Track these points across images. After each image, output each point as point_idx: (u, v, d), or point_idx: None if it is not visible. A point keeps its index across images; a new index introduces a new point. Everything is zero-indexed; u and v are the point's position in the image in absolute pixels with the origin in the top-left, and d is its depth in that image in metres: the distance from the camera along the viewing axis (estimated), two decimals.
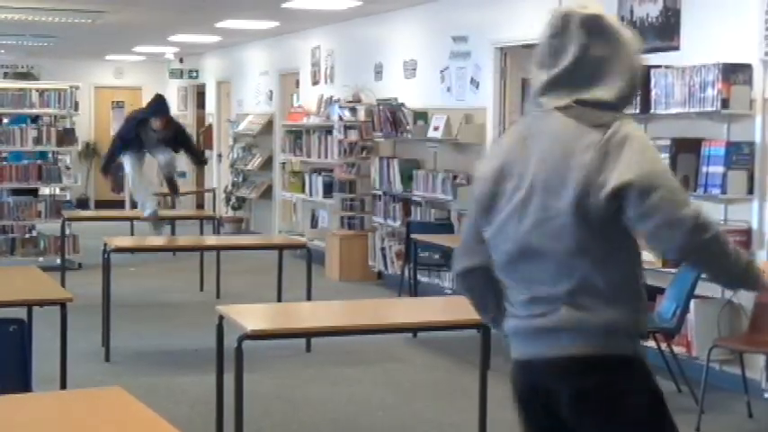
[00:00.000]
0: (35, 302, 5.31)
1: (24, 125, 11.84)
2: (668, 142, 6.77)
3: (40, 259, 11.22)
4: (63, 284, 8.76)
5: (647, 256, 6.90)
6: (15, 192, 11.72)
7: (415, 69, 10.82)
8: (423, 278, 9.61)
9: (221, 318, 4.81)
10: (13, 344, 4.36)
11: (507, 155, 2.76)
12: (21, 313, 5.04)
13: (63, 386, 5.28)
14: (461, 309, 5.53)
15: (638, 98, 6.94)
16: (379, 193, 10.91)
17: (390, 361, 7.36)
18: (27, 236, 11.76)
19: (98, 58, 19.08)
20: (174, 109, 19.72)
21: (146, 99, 20.10)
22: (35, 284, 5.75)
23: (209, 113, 18.33)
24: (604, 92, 2.69)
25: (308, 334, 5.96)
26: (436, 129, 9.88)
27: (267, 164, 14.90)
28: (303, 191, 12.83)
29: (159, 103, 9.38)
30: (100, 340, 7.39)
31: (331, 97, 12.43)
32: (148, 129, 9.20)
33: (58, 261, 10.37)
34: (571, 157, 2.59)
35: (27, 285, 5.73)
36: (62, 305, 5.19)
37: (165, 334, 8.29)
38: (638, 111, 6.98)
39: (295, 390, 6.59)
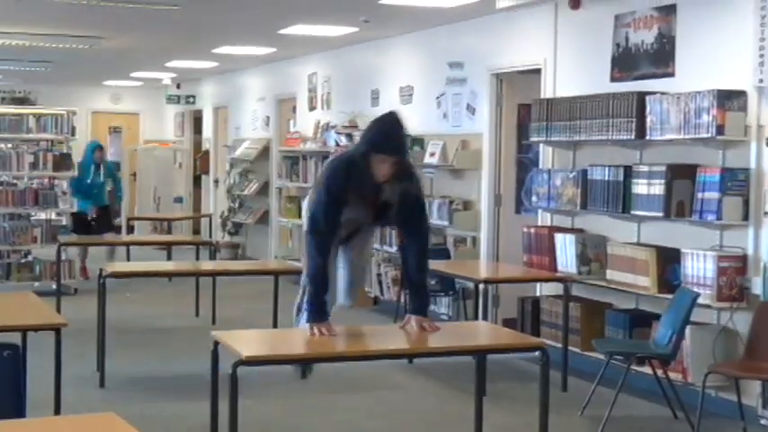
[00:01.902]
0: (29, 328, 5.30)
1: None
2: (663, 168, 6.79)
3: (36, 284, 11.20)
4: (58, 310, 8.75)
5: (644, 283, 6.92)
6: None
7: (411, 95, 10.85)
8: None
9: (216, 343, 4.80)
10: (6, 369, 4.35)
11: None
12: (15, 338, 5.03)
13: (57, 412, 5.27)
14: (457, 335, 5.53)
15: (634, 124, 6.99)
16: None
17: (386, 387, 7.33)
18: (23, 261, 11.74)
19: (95, 83, 19.12)
20: (171, 134, 19.81)
21: (143, 124, 20.26)
22: (30, 309, 5.74)
23: (206, 139, 18.35)
24: None
25: (303, 360, 5.94)
26: (432, 154, 9.90)
27: (264, 189, 14.91)
28: (299, 216, 12.82)
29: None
30: (95, 366, 7.37)
31: (328, 123, 12.45)
32: None
33: (54, 286, 10.35)
34: None
35: (22, 310, 5.71)
36: (56, 330, 5.18)
37: (160, 360, 8.27)
38: (633, 137, 7.01)
39: (290, 416, 6.56)
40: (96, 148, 12.80)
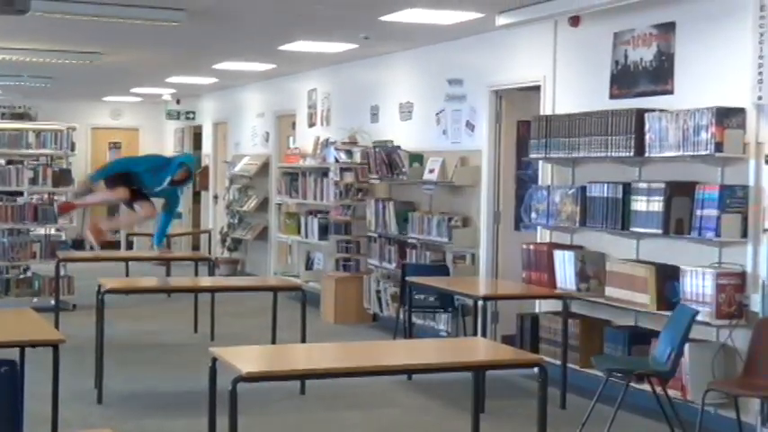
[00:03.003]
0: (27, 344, 5.29)
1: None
2: (662, 185, 6.80)
3: (35, 300, 11.19)
4: (57, 326, 8.74)
5: (643, 300, 6.92)
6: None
7: (410, 112, 10.87)
8: (418, 320, 9.59)
9: (214, 360, 4.79)
10: (4, 385, 4.35)
11: None
12: (13, 354, 5.03)
13: (54, 428, 5.26)
14: (456, 351, 5.53)
15: (633, 141, 7.00)
16: (375, 235, 10.91)
17: (385, 404, 7.32)
18: (21, 276, 11.73)
19: (95, 99, 19.14)
20: (171, 150, 19.83)
21: (143, 140, 20.28)
22: (28, 325, 5.73)
23: (205, 154, 18.36)
24: None
25: (302, 376, 5.94)
26: (432, 171, 9.90)
27: (263, 205, 14.91)
28: (299, 233, 12.83)
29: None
30: (93, 382, 7.35)
31: (327, 139, 12.47)
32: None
33: (53, 302, 10.33)
34: None
35: (20, 326, 5.71)
36: (54, 347, 5.18)
37: (158, 376, 8.26)
38: (632, 154, 7.02)
39: None
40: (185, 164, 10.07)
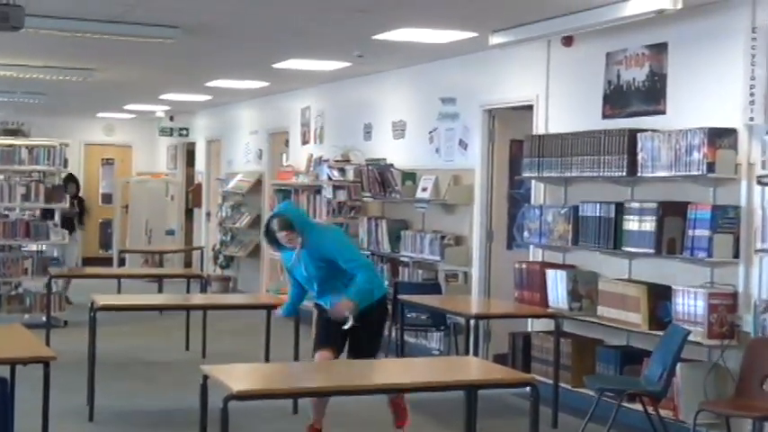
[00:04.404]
0: (18, 360, 5.27)
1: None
2: (655, 205, 6.81)
3: (26, 316, 11.15)
4: (48, 342, 8.72)
5: (635, 320, 6.93)
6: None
7: (403, 130, 10.89)
8: (410, 339, 9.57)
9: (205, 378, 4.78)
10: None
11: None
12: (3, 371, 5.01)
13: None
14: (448, 370, 5.52)
15: (625, 161, 7.02)
16: (367, 253, 10.90)
17: (377, 422, 7.30)
18: (13, 293, 11.69)
19: (89, 115, 19.14)
20: (164, 167, 19.82)
21: (135, 156, 20.27)
22: (19, 342, 5.72)
23: (198, 171, 18.36)
24: None
25: (295, 395, 5.93)
26: (424, 189, 9.91)
27: (256, 222, 14.90)
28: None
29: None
30: (84, 399, 7.33)
31: (320, 157, 12.48)
32: None
33: (44, 318, 10.31)
34: None
35: (10, 343, 5.69)
36: (45, 364, 5.16)
37: (149, 394, 8.23)
38: (624, 174, 7.04)
39: None
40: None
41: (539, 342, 7.93)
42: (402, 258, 10.20)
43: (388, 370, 5.69)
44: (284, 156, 14.41)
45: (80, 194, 14.72)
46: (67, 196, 12.45)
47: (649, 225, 6.84)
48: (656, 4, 6.38)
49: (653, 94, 7.27)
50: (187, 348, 10.10)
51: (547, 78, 8.51)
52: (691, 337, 6.28)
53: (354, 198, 11.18)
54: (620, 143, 7.09)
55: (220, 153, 17.16)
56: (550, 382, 7.29)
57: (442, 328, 9.29)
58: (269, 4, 7.56)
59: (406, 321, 8.82)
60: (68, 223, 12.79)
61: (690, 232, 6.58)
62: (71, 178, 13.80)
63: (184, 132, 18.60)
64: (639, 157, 6.95)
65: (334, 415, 7.29)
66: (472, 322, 7.35)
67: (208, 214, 17.35)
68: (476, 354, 7.20)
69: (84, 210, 14.66)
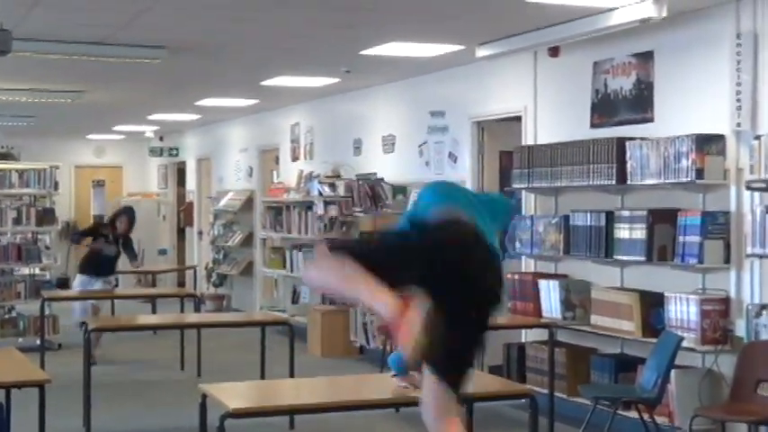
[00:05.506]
0: (13, 384, 5.27)
1: None
2: (645, 213, 6.84)
3: (20, 340, 11.12)
4: (42, 365, 8.69)
5: (628, 327, 6.94)
6: None
7: (393, 144, 10.91)
8: None
9: (204, 396, 4.78)
10: None
11: None
12: None
13: None
14: None
15: (615, 170, 7.05)
16: None
17: None
18: (6, 316, 11.67)
19: (78, 137, 19.13)
20: (155, 187, 19.81)
21: (126, 177, 20.26)
22: (13, 366, 5.72)
23: (189, 191, 18.36)
24: None
25: (290, 412, 5.92)
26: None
27: (248, 240, 14.91)
28: (284, 267, 12.83)
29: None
30: (80, 421, 7.32)
31: (311, 173, 12.50)
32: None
33: (38, 342, 10.29)
34: None
35: (5, 367, 5.69)
36: (40, 387, 5.16)
37: (145, 413, 8.22)
38: (614, 182, 7.06)
39: None
40: None
41: (533, 352, 7.94)
42: None
43: (385, 384, 5.69)
44: (275, 173, 14.42)
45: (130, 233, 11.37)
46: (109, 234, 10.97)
47: (640, 233, 6.87)
48: (641, 12, 6.42)
49: (640, 103, 7.30)
50: (182, 368, 10.09)
51: (534, 89, 8.54)
52: (684, 344, 6.30)
53: (346, 213, 11.19)
54: (608, 152, 7.12)
55: (211, 171, 17.16)
56: (545, 391, 7.30)
57: None
58: (255, 22, 7.58)
59: None
60: (106, 266, 11.06)
61: (680, 239, 6.61)
62: (126, 212, 11.42)
63: (174, 152, 18.60)
64: (628, 165, 6.98)
65: (331, 430, 7.29)
66: None
67: (200, 233, 17.34)
68: None
69: (129, 247, 11.40)
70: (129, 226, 11.16)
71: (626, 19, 6.62)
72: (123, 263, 11.68)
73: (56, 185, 12.34)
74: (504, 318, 8.19)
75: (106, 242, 10.95)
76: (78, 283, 11.05)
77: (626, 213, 7.07)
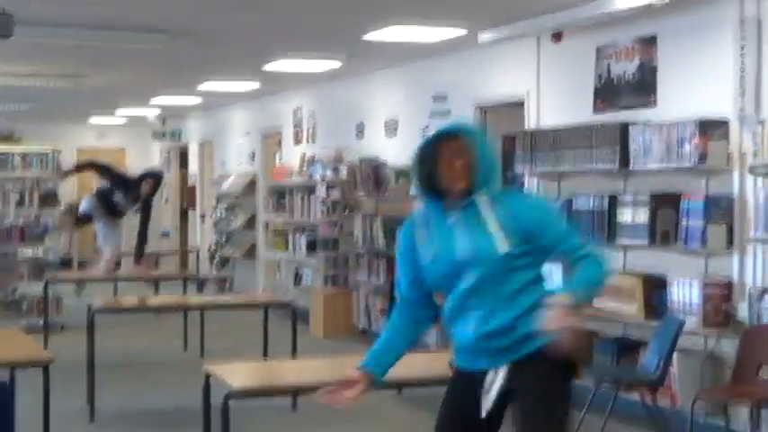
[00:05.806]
0: (17, 364, 5.30)
1: None
2: (647, 197, 6.85)
3: (23, 321, 11.17)
4: (46, 346, 8.73)
5: (631, 310, 6.96)
6: None
7: (396, 128, 10.92)
8: None
9: (208, 376, 4.81)
10: None
11: None
12: (3, 375, 5.04)
13: None
14: (445, 364, 5.55)
15: (618, 154, 7.06)
16: (363, 250, 10.94)
17: (376, 418, 7.34)
18: (10, 298, 11.71)
19: (80, 120, 19.13)
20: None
21: (129, 160, 20.26)
22: (17, 346, 5.75)
23: (192, 174, 18.37)
24: None
25: (293, 391, 5.95)
26: None
27: (250, 223, 14.93)
28: (286, 249, 12.85)
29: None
30: (84, 401, 7.35)
31: (313, 157, 12.51)
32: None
33: (41, 322, 10.32)
34: None
35: (9, 347, 5.71)
36: (44, 367, 5.19)
37: (149, 394, 8.26)
38: (617, 167, 7.07)
39: None
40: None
41: None
42: None
43: None
44: (277, 156, 14.44)
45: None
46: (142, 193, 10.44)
47: (643, 217, 6.88)
48: None
49: (644, 87, 7.31)
50: (185, 349, 10.12)
51: (537, 74, 8.54)
52: (686, 327, 6.33)
53: (348, 196, 11.21)
54: (611, 136, 7.13)
55: (213, 155, 17.17)
56: None
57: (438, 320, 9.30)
58: (256, 6, 7.58)
59: None
60: (114, 211, 10.75)
61: (683, 223, 6.62)
62: (154, 175, 11.00)
63: (177, 135, 18.61)
64: (631, 149, 6.99)
65: (334, 411, 7.29)
66: None
67: (202, 216, 17.36)
68: None
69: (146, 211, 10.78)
70: (153, 189, 10.57)
71: (629, 4, 6.62)
72: (127, 261, 11.69)
73: (58, 168, 12.36)
74: None
75: (125, 195, 10.43)
76: (87, 205, 10.78)
77: (629, 197, 7.09)
